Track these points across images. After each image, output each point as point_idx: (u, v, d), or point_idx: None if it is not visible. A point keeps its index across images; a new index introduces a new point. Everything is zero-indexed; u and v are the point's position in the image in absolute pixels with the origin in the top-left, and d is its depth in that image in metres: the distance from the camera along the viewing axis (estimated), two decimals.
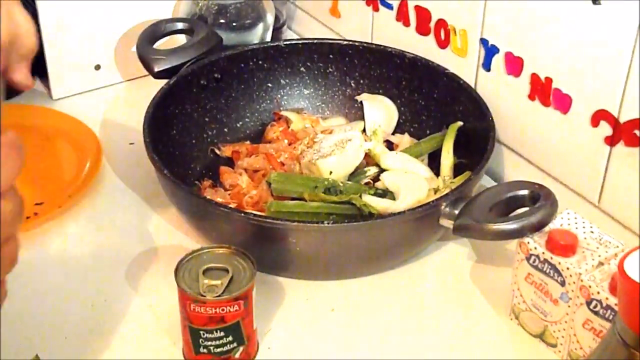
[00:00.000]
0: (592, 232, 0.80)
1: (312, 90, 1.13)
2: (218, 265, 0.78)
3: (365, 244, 0.88)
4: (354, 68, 1.11)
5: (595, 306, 0.75)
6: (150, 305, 0.87)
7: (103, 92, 1.20)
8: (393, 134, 1.08)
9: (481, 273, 0.92)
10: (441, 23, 1.05)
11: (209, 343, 0.78)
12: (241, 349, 0.79)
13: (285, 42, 1.13)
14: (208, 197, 0.95)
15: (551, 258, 0.78)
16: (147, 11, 1.19)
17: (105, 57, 1.19)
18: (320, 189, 0.94)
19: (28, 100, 1.14)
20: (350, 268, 0.91)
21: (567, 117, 0.92)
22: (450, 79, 1.04)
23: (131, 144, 1.08)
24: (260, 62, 1.10)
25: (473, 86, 1.03)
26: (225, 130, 1.08)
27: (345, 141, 0.98)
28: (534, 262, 0.80)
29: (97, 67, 1.19)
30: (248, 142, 1.07)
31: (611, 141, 0.88)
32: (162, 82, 1.03)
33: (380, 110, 1.09)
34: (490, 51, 0.99)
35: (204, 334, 0.77)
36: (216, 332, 0.77)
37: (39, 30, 1.09)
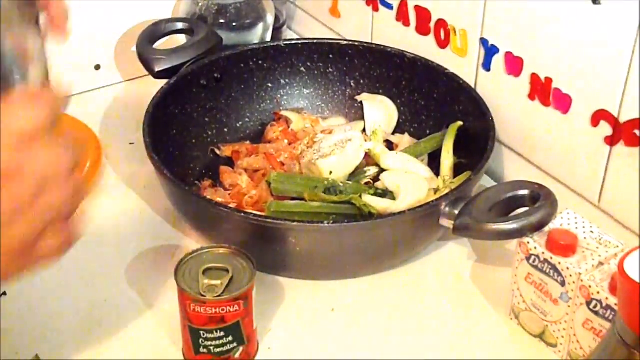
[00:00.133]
0: (592, 232, 0.80)
1: (312, 90, 1.13)
2: (218, 265, 0.78)
3: (365, 244, 0.88)
4: (354, 68, 1.11)
5: (595, 306, 0.75)
6: (150, 305, 0.87)
7: (103, 92, 1.20)
8: (393, 134, 1.08)
9: (481, 273, 0.92)
10: (441, 23, 1.05)
11: (209, 343, 0.78)
12: (241, 349, 0.79)
13: (285, 42, 1.13)
14: (208, 197, 0.95)
15: (551, 258, 0.78)
16: (147, 11, 1.19)
17: (105, 57, 1.19)
18: (320, 189, 0.94)
19: None
20: (350, 268, 0.91)
21: (567, 117, 0.92)
22: (450, 79, 1.04)
23: (131, 144, 1.08)
24: (260, 62, 1.10)
25: (473, 86, 1.03)
26: (225, 130, 1.08)
27: (345, 141, 0.98)
28: (534, 262, 0.80)
29: (97, 67, 1.19)
30: (248, 142, 1.07)
31: (611, 141, 0.88)
32: (162, 82, 1.03)
33: (380, 110, 1.09)
34: (490, 51, 0.99)
35: (204, 334, 0.77)
36: (216, 332, 0.77)
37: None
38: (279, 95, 1.12)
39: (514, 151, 1.02)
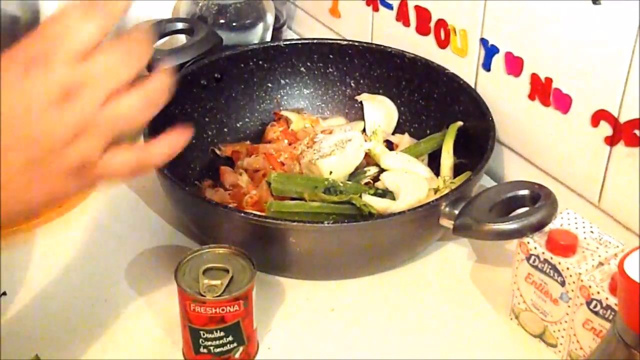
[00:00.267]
0: (592, 232, 0.80)
1: (312, 90, 1.13)
2: (218, 265, 0.78)
3: (365, 244, 0.88)
4: (354, 68, 1.11)
5: (595, 306, 0.75)
6: (150, 305, 0.87)
7: None
8: (393, 134, 1.08)
9: (481, 273, 0.92)
10: (441, 23, 1.05)
11: (209, 343, 0.78)
12: (241, 349, 0.79)
13: (285, 42, 1.13)
14: (208, 197, 0.95)
15: (551, 258, 0.78)
16: (147, 11, 1.19)
17: None
18: (320, 189, 0.94)
19: None
20: (350, 268, 0.91)
21: (567, 117, 0.92)
22: (450, 79, 1.04)
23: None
24: (260, 62, 1.10)
25: (473, 86, 1.03)
26: (225, 130, 1.08)
27: (345, 141, 0.98)
28: (534, 262, 0.80)
29: None
30: (248, 142, 1.07)
31: (611, 141, 0.88)
32: None
33: (380, 110, 1.09)
34: (490, 51, 0.99)
35: (204, 334, 0.77)
36: (216, 332, 0.77)
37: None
38: (279, 95, 1.12)
39: (514, 151, 1.02)
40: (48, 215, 0.96)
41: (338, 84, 1.12)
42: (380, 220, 0.88)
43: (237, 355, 0.79)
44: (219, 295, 0.76)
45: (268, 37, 1.22)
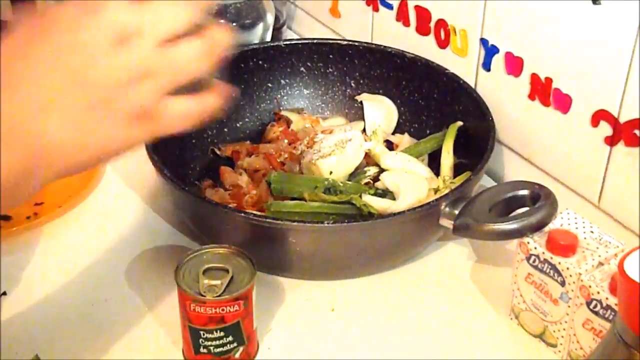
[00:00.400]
0: (592, 232, 0.80)
1: (312, 90, 1.13)
2: (218, 265, 0.78)
3: (365, 244, 0.88)
4: (354, 68, 1.11)
5: (595, 306, 0.75)
6: (150, 305, 0.87)
7: None
8: (393, 134, 1.08)
9: (481, 273, 0.92)
10: (441, 23, 1.05)
11: (209, 343, 0.78)
12: (241, 349, 0.79)
13: (285, 42, 1.13)
14: (208, 197, 0.95)
15: (551, 258, 0.78)
16: None
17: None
18: (320, 189, 0.94)
19: None
20: (350, 268, 0.91)
21: (567, 117, 0.92)
22: (450, 79, 1.04)
23: None
24: (260, 62, 1.10)
25: (473, 86, 1.03)
26: (225, 130, 1.08)
27: (345, 141, 0.98)
28: (534, 262, 0.80)
29: None
30: (248, 142, 1.07)
31: (611, 141, 0.88)
32: None
33: (380, 110, 1.09)
34: (490, 51, 0.99)
35: (204, 334, 0.77)
36: (216, 332, 0.77)
37: None
38: (279, 95, 1.12)
39: (514, 151, 1.02)
40: (48, 215, 0.96)
41: (338, 84, 1.12)
42: (380, 220, 0.88)
43: (237, 355, 0.79)
44: (219, 295, 0.76)
45: (268, 37, 1.22)
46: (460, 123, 1.02)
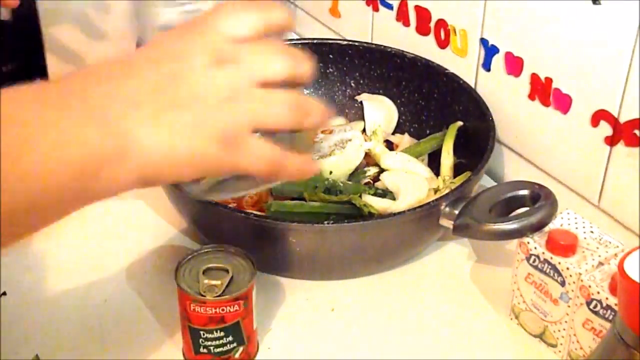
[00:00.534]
0: (592, 232, 0.80)
1: (312, 90, 1.12)
2: (218, 265, 0.78)
3: (365, 244, 0.88)
4: (354, 68, 1.11)
5: (595, 306, 0.75)
6: (150, 305, 0.87)
7: None
8: (393, 134, 1.08)
9: (481, 273, 0.92)
10: (441, 23, 1.05)
11: (209, 343, 0.78)
12: (241, 349, 0.79)
13: (285, 42, 1.12)
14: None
15: (551, 258, 0.78)
16: None
17: (105, 57, 1.19)
18: (320, 189, 0.94)
19: None
20: (350, 268, 0.91)
21: (567, 117, 0.92)
22: (450, 79, 1.04)
23: None
24: None
25: (473, 86, 1.03)
26: None
27: (345, 141, 0.98)
28: (534, 262, 0.80)
29: None
30: None
31: (611, 141, 0.88)
32: None
33: (380, 110, 1.09)
34: (490, 51, 0.99)
35: (204, 334, 0.77)
36: (216, 332, 0.77)
37: (39, 31, 1.09)
38: None
39: (514, 151, 1.02)
40: None
41: (338, 84, 1.12)
42: (380, 220, 0.88)
43: (237, 355, 0.79)
44: (219, 295, 0.76)
45: None
46: (460, 123, 1.02)
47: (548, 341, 0.82)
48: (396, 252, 0.91)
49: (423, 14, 1.07)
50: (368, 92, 1.11)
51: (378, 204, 0.93)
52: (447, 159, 1.00)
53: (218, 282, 0.76)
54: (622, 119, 0.86)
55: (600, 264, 0.77)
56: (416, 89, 1.08)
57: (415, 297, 0.89)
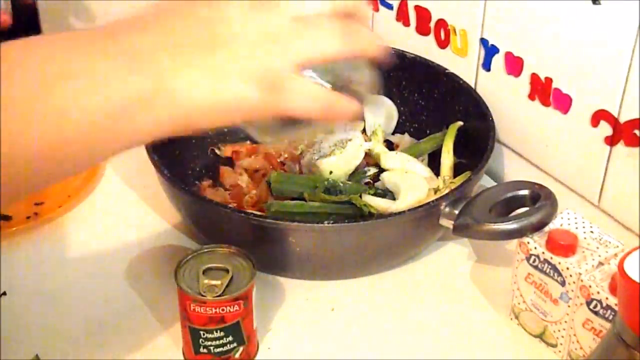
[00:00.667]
0: (592, 232, 0.80)
1: None
2: (218, 265, 0.78)
3: (365, 244, 0.88)
4: None
5: (595, 306, 0.75)
6: (150, 305, 0.87)
7: None
8: (393, 134, 1.08)
9: (481, 273, 0.92)
10: (441, 23, 1.05)
11: (209, 343, 0.78)
12: (241, 349, 0.79)
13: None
14: (208, 197, 0.95)
15: (551, 258, 0.78)
16: None
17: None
18: (320, 189, 0.94)
19: None
20: (350, 268, 0.91)
21: (567, 117, 0.92)
22: (450, 79, 1.04)
23: None
24: None
25: (473, 86, 1.03)
26: (225, 130, 1.08)
27: (345, 141, 0.98)
28: (534, 262, 0.80)
29: None
30: (248, 142, 1.07)
31: (611, 141, 0.88)
32: None
33: (380, 110, 1.09)
34: (490, 51, 0.99)
35: (204, 334, 0.77)
36: (216, 332, 0.77)
37: (39, 31, 1.09)
38: None
39: (514, 151, 1.02)
40: (48, 215, 0.96)
41: None
42: (380, 220, 0.88)
43: (237, 355, 0.79)
44: (219, 295, 0.76)
45: None
46: (460, 123, 1.02)
47: (548, 341, 0.82)
48: (396, 252, 0.91)
49: (423, 14, 1.07)
50: None
51: (378, 204, 0.93)
52: (447, 159, 1.00)
53: (218, 282, 0.76)
54: (622, 119, 0.86)
55: (600, 264, 0.77)
56: (416, 89, 1.08)
57: (415, 297, 0.89)
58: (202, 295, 0.76)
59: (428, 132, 1.06)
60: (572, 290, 0.77)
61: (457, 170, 1.00)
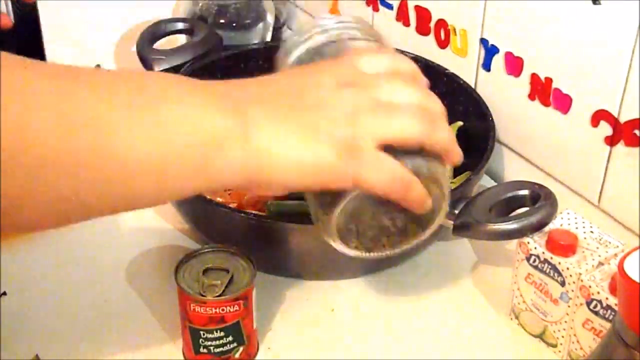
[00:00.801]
0: (592, 232, 0.80)
1: None
2: (218, 265, 0.78)
3: None
4: None
5: (595, 306, 0.75)
6: (150, 305, 0.87)
7: None
8: None
9: (481, 273, 0.92)
10: (441, 23, 1.05)
11: (209, 343, 0.78)
12: (241, 349, 0.79)
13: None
14: (208, 197, 0.95)
15: (551, 258, 0.78)
16: (147, 11, 1.19)
17: (105, 57, 1.19)
18: None
19: None
20: (350, 268, 0.90)
21: (567, 117, 0.92)
22: (450, 79, 1.04)
23: None
24: (260, 62, 1.10)
25: (473, 86, 1.03)
26: None
27: None
28: (534, 262, 0.80)
29: (97, 67, 1.19)
30: None
31: (611, 141, 0.88)
32: None
33: None
34: (490, 51, 0.99)
35: (204, 334, 0.77)
36: (216, 332, 0.77)
37: (39, 31, 1.09)
38: None
39: (514, 151, 1.02)
40: None
41: None
42: None
43: (237, 355, 0.79)
44: (219, 295, 0.76)
45: (268, 37, 1.22)
46: (460, 123, 1.02)
47: (548, 341, 0.82)
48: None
49: (423, 14, 1.07)
50: None
51: None
52: None
53: (218, 282, 0.76)
54: (622, 119, 0.86)
55: (600, 264, 0.77)
56: None
57: (415, 297, 0.89)
58: (202, 295, 0.76)
59: None
60: (572, 290, 0.77)
61: (457, 170, 0.99)
